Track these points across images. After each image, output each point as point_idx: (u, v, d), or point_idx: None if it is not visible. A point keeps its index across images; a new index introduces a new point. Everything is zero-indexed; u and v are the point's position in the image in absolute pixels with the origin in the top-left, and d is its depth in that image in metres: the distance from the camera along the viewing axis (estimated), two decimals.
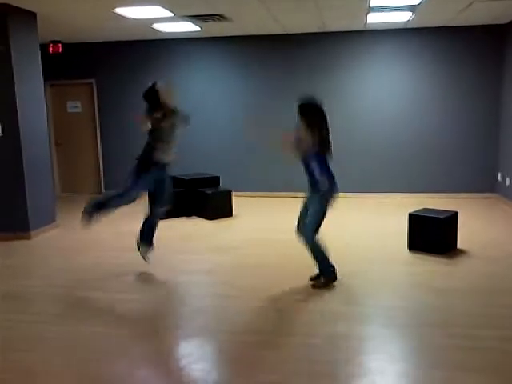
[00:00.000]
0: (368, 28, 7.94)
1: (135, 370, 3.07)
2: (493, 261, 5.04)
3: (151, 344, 3.42)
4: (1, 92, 5.94)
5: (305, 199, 4.50)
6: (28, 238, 6.10)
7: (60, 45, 8.17)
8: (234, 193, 7.44)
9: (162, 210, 5.04)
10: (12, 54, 5.85)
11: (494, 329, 3.55)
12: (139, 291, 4.43)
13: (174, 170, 8.20)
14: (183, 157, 8.89)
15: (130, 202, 4.80)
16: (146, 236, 5.00)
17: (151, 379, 2.99)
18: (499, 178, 8.04)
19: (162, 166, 4.82)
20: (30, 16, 6.16)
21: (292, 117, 8.69)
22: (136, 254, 4.97)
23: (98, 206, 4.75)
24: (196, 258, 5.34)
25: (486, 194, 8.19)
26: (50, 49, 8.12)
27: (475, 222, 6.56)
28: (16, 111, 5.94)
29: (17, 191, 6.09)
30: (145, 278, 4.75)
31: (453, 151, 8.25)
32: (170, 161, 4.87)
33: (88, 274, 4.88)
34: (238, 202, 7.71)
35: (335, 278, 4.43)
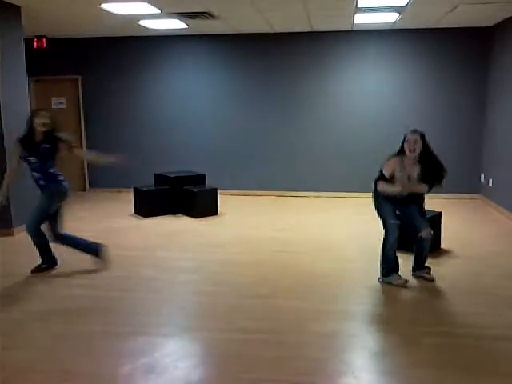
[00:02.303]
0: (355, 28, 7.98)
1: (121, 368, 3.05)
2: (475, 261, 5.10)
3: (136, 342, 3.40)
4: None
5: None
6: (11, 234, 6.02)
7: (45, 40, 8.08)
8: (219, 191, 7.42)
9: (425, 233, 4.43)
10: None
11: (476, 327, 3.59)
12: (124, 288, 4.40)
13: (160, 168, 8.22)
14: (170, 154, 8.88)
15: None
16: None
17: (137, 376, 2.97)
18: (482, 178, 8.14)
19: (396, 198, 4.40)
20: (14, 9, 6.06)
21: (280, 116, 8.76)
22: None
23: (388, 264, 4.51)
24: (182, 256, 5.32)
25: (470, 195, 8.29)
26: (35, 44, 8.02)
27: (459, 223, 6.63)
28: None
29: None
30: (130, 276, 4.71)
31: (437, 152, 8.29)
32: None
33: (72, 271, 4.83)
34: (223, 200, 7.70)
35: (54, 265, 4.91)
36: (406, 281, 4.46)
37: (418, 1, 5.97)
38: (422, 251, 4.58)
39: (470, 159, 8.26)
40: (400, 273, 4.50)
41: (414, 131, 4.35)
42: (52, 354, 3.25)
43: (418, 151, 4.31)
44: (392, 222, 4.43)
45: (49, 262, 4.91)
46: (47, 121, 4.68)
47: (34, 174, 4.66)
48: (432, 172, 4.38)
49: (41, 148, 4.62)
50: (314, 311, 3.90)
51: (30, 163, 4.65)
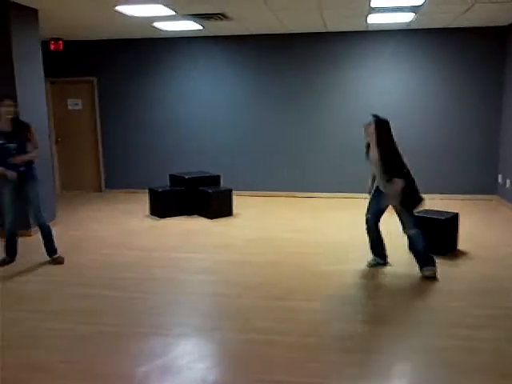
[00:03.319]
0: (370, 29, 7.94)
1: (136, 369, 3.07)
2: (493, 262, 5.04)
3: (152, 342, 3.42)
4: (1, 89, 5.92)
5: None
6: (29, 235, 6.09)
7: (61, 42, 8.16)
8: (234, 192, 7.44)
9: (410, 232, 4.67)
10: (13, 51, 5.83)
11: (493, 330, 3.55)
12: (139, 289, 4.43)
13: (175, 169, 8.25)
14: (185, 155, 8.92)
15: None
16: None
17: (152, 377, 2.99)
18: (500, 179, 8.04)
19: None
20: (32, 13, 6.15)
21: (295, 117, 8.74)
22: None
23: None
24: (196, 257, 5.34)
25: (487, 196, 8.19)
26: (51, 46, 8.11)
27: (476, 224, 6.56)
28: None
29: None
30: (145, 276, 4.74)
31: (454, 153, 8.25)
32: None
33: (87, 271, 4.88)
34: (238, 201, 7.71)
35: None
36: (370, 265, 4.90)
37: (434, 0, 5.92)
38: (414, 249, 4.71)
39: (487, 160, 8.16)
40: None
41: (373, 115, 4.60)
42: (67, 354, 3.27)
43: (370, 135, 4.60)
44: (366, 214, 4.93)
45: (54, 250, 5.18)
46: (12, 108, 4.79)
47: (11, 159, 4.76)
48: (384, 158, 4.54)
49: (19, 135, 4.77)
50: (330, 313, 3.88)
51: (7, 150, 4.72)
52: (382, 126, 4.55)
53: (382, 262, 4.93)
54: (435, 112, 8.20)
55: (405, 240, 5.48)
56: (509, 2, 6.00)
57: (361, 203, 7.97)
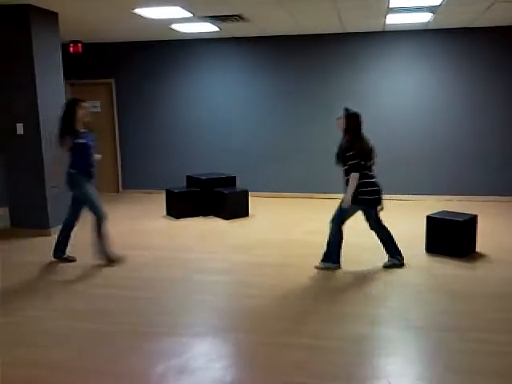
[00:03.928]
0: (387, 29, 7.89)
1: (152, 368, 3.10)
2: (510, 265, 4.97)
3: (168, 342, 3.44)
4: (22, 91, 6.02)
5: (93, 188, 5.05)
6: (48, 234, 6.18)
7: (80, 45, 8.28)
8: (250, 193, 7.45)
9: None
10: (34, 54, 5.93)
11: (510, 333, 3.51)
12: (155, 289, 4.46)
13: (191, 170, 8.30)
14: (201, 156, 8.96)
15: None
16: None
17: (171, 376, 3.01)
18: None
19: None
20: (52, 16, 6.24)
21: (310, 118, 8.71)
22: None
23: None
24: (212, 257, 5.36)
25: (506, 198, 8.08)
26: (71, 49, 8.22)
27: (494, 226, 6.47)
28: (37, 110, 6.02)
29: (38, 190, 6.16)
30: (161, 277, 4.78)
31: (473, 154, 8.16)
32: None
33: (104, 271, 4.93)
34: (254, 202, 7.72)
35: None
36: (387, 266, 4.90)
37: (453, 0, 5.86)
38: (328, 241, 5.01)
39: (508, 161, 8.04)
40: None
41: (344, 109, 4.76)
42: (82, 354, 3.30)
43: (341, 128, 4.75)
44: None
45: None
46: (88, 111, 4.94)
47: (92, 159, 4.94)
48: (349, 143, 4.72)
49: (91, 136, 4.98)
50: (348, 314, 3.87)
51: (90, 149, 4.93)
52: (351, 118, 4.69)
53: (397, 262, 4.90)
54: (454, 113, 8.11)
55: (421, 240, 5.45)
56: None
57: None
